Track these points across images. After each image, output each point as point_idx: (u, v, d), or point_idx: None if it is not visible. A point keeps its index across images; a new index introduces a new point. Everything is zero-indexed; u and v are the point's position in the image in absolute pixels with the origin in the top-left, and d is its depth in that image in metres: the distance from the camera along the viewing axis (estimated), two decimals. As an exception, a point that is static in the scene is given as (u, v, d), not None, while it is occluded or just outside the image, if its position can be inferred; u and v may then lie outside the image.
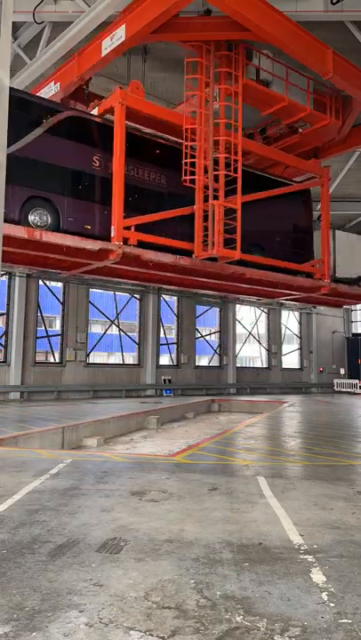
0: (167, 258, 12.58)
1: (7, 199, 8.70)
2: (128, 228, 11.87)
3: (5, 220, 9.44)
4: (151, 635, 2.82)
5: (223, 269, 14.03)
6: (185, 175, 12.22)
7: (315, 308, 33.39)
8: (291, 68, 13.42)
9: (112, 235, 11.56)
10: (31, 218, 11.08)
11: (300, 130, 15.45)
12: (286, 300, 19.96)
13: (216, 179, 12.44)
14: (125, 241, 11.77)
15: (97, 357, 24.67)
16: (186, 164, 12.21)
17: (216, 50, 12.44)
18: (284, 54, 12.66)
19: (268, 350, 30.79)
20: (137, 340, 24.82)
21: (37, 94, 13.46)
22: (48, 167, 11.49)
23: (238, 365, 29.16)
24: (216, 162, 12.60)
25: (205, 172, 12.47)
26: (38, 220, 11.19)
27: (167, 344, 25.98)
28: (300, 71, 13.60)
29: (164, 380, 25.08)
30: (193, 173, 12.33)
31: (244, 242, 13.14)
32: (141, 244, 12.14)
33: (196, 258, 12.85)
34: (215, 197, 12.35)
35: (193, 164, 12.36)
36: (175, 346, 26.33)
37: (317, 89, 14.32)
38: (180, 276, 14.30)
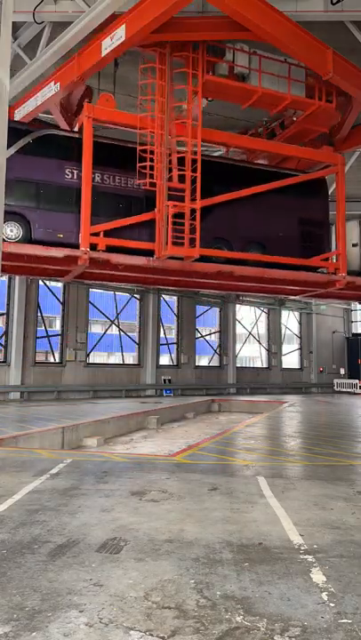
0: (138, 260, 12.88)
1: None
2: (97, 234, 12.35)
3: None
4: (151, 635, 2.82)
5: (204, 268, 13.88)
6: (144, 178, 12.50)
7: (324, 304, 33.29)
8: (272, 58, 13.13)
9: (80, 241, 12.21)
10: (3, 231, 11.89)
11: (294, 118, 14.88)
12: (304, 297, 18.69)
13: (184, 179, 12.57)
14: (95, 247, 12.27)
15: (97, 357, 24.68)
16: (144, 167, 12.41)
17: (173, 51, 12.64)
18: (263, 45, 12.59)
19: (268, 350, 30.78)
20: (137, 340, 24.82)
21: (18, 111, 14.10)
22: (19, 183, 12.30)
23: (238, 365, 29.16)
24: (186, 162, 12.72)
25: (170, 173, 12.63)
26: (11, 232, 12.12)
27: (167, 344, 25.98)
28: (284, 60, 13.21)
29: (164, 380, 25.08)
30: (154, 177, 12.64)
31: (239, 239, 13.51)
32: (116, 249, 12.70)
33: (158, 258, 12.99)
34: (173, 198, 12.47)
35: (153, 167, 12.60)
36: (175, 346, 26.34)
37: (311, 75, 13.75)
38: (165, 277, 14.63)
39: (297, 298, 32.11)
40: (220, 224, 14.04)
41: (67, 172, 12.75)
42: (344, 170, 15.23)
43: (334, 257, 15.48)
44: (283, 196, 14.85)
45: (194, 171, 12.68)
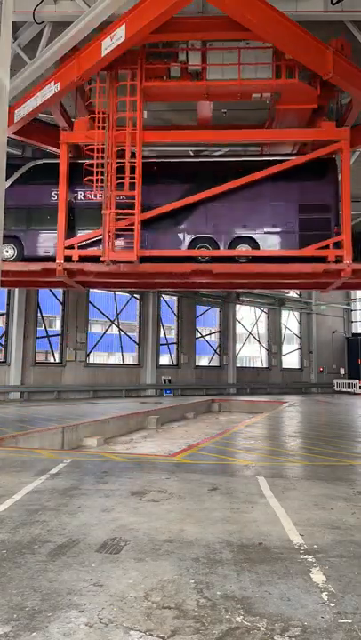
0: (107, 267, 13.56)
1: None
2: (72, 247, 13.45)
3: None
4: (151, 635, 2.82)
5: (179, 268, 13.93)
6: (101, 190, 13.30)
7: (324, 304, 33.16)
8: (228, 48, 12.79)
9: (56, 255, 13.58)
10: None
11: (267, 102, 14.00)
12: (313, 289, 17.99)
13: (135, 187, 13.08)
14: (69, 258, 13.36)
15: (97, 357, 24.67)
16: (95, 180, 13.04)
17: (119, 66, 13.34)
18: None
19: (268, 350, 30.79)
20: (137, 340, 24.82)
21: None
22: (14, 210, 14.06)
23: (238, 365, 29.16)
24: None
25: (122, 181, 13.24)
26: (7, 253, 14.06)
27: (167, 344, 25.98)
28: (247, 44, 12.73)
29: (164, 380, 25.08)
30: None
31: (225, 236, 13.52)
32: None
33: (129, 263, 13.55)
34: (124, 207, 13.08)
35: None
36: (175, 346, 26.34)
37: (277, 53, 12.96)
38: (144, 281, 15.28)
39: (301, 293, 32.14)
40: (204, 222, 14.07)
41: (52, 194, 14.04)
42: (348, 145, 13.56)
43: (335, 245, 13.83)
44: (278, 184, 14.00)
45: (151, 177, 13.41)
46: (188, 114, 16.67)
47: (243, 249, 13.73)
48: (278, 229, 13.96)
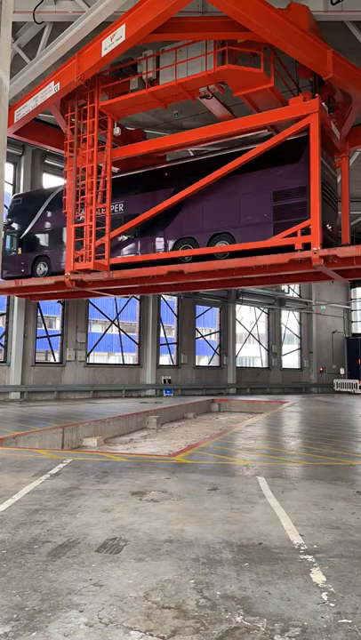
0: (100, 276, 15.06)
1: (24, 262, 17.49)
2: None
3: (22, 276, 17.53)
4: (151, 635, 2.82)
5: (156, 271, 14.40)
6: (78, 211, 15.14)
7: (324, 304, 33.10)
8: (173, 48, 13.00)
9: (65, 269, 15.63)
10: (37, 270, 17.25)
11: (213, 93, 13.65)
12: (288, 282, 17.40)
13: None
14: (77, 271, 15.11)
15: (97, 357, 24.68)
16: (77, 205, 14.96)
17: (80, 97, 14.72)
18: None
19: (268, 350, 30.79)
20: (137, 340, 24.82)
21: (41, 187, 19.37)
22: (45, 234, 17.28)
23: (238, 365, 29.16)
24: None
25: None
26: (39, 270, 17.14)
27: (167, 344, 25.98)
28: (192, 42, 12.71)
29: (164, 380, 25.08)
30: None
31: (204, 235, 13.73)
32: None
33: (115, 271, 15.00)
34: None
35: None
36: (175, 346, 26.34)
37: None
38: (131, 286, 16.99)
39: (302, 293, 32.08)
40: (184, 224, 14.33)
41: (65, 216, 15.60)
42: (317, 119, 12.17)
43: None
44: (249, 174, 13.43)
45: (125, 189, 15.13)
46: (189, 112, 16.71)
47: (221, 245, 13.64)
48: (253, 221, 13.26)
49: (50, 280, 16.28)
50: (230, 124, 13.62)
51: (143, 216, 14.39)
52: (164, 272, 14.14)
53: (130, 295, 22.96)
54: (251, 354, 32.43)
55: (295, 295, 32.60)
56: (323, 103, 12.66)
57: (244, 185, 13.47)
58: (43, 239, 17.27)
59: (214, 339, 28.83)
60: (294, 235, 12.36)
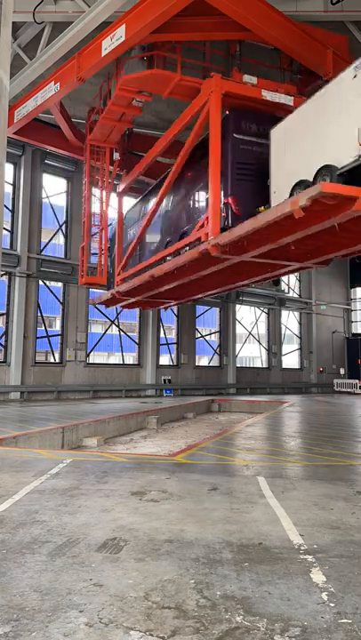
0: (121, 288, 17.07)
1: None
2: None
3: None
4: (151, 635, 2.82)
5: (141, 280, 15.49)
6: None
7: (324, 303, 33.07)
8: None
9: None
10: None
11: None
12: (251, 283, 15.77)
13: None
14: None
15: (97, 357, 24.68)
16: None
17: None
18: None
19: (268, 350, 30.78)
20: (137, 340, 24.82)
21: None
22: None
23: (238, 365, 29.15)
24: None
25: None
26: None
27: (167, 344, 25.98)
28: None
29: (164, 380, 25.08)
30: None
31: (176, 237, 14.02)
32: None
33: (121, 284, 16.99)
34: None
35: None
36: (175, 346, 26.34)
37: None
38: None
39: (302, 292, 32.15)
40: (167, 230, 15.00)
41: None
42: (219, 97, 11.07)
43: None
44: (192, 170, 13.16)
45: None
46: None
47: (168, 248, 14.23)
48: (198, 219, 12.53)
49: (108, 294, 18.80)
50: (171, 129, 13.61)
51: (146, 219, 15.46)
52: (147, 277, 14.87)
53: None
54: (251, 354, 32.43)
55: (295, 295, 32.60)
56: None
57: (191, 182, 13.59)
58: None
59: (214, 339, 28.82)
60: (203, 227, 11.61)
